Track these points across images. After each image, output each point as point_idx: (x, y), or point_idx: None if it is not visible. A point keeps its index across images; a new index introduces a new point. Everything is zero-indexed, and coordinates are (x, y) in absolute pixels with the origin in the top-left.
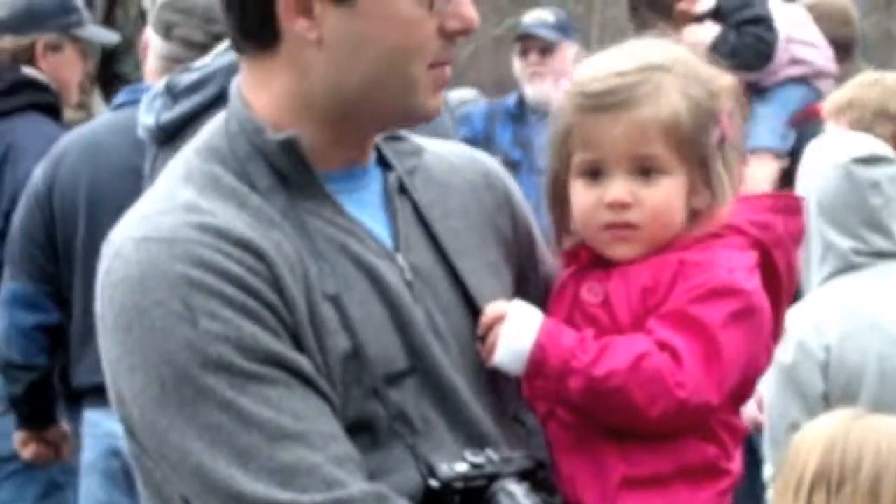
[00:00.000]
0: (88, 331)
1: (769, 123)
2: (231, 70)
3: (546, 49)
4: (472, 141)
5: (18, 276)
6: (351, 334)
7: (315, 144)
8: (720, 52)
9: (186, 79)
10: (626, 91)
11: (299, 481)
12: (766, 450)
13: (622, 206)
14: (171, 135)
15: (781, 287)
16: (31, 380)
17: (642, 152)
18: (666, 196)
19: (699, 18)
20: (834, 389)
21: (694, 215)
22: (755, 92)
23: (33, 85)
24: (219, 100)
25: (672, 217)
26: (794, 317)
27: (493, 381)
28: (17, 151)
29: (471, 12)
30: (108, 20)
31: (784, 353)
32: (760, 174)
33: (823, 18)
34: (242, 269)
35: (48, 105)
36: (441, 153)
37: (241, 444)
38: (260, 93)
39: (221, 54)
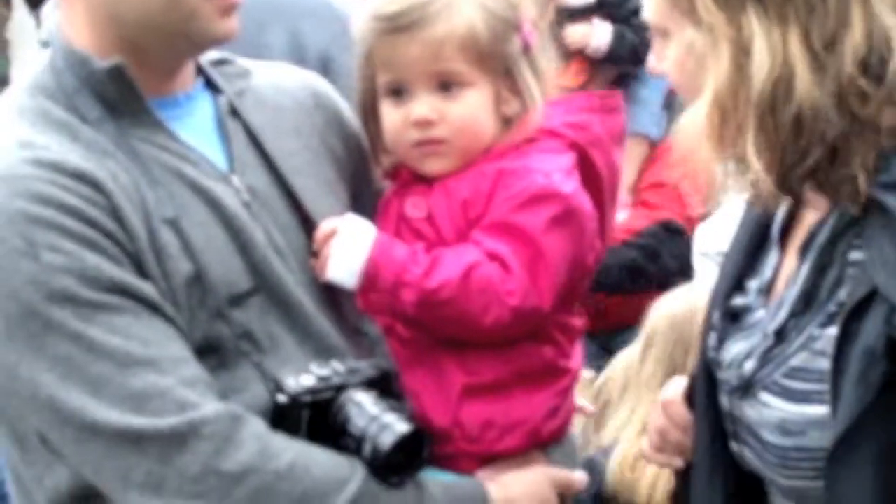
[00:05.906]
0: None
1: (650, 108)
2: None
3: None
4: None
5: None
6: (192, 258)
7: (134, 73)
8: (620, 52)
9: None
10: (419, 10)
11: (153, 406)
12: None
13: (427, 123)
14: None
15: (603, 186)
16: None
17: (441, 69)
18: (470, 109)
19: (580, 13)
20: None
21: (507, 123)
22: (633, 77)
23: None
24: None
25: (480, 128)
26: None
27: (333, 296)
28: None
29: None
30: None
31: None
32: (634, 153)
33: None
34: (80, 201)
35: None
36: (269, 75)
37: (92, 374)
38: (73, 27)
39: None
